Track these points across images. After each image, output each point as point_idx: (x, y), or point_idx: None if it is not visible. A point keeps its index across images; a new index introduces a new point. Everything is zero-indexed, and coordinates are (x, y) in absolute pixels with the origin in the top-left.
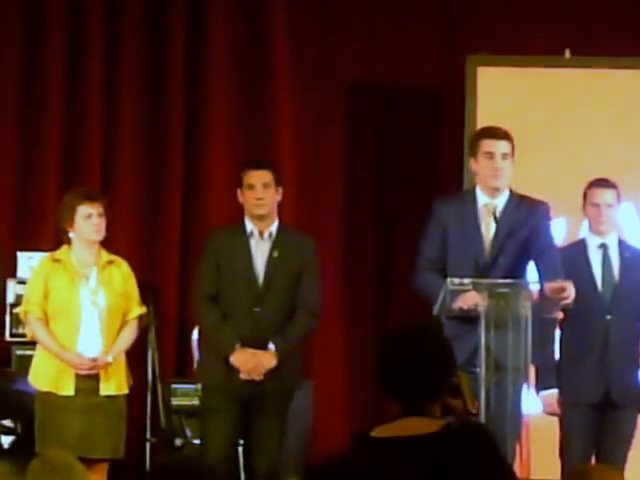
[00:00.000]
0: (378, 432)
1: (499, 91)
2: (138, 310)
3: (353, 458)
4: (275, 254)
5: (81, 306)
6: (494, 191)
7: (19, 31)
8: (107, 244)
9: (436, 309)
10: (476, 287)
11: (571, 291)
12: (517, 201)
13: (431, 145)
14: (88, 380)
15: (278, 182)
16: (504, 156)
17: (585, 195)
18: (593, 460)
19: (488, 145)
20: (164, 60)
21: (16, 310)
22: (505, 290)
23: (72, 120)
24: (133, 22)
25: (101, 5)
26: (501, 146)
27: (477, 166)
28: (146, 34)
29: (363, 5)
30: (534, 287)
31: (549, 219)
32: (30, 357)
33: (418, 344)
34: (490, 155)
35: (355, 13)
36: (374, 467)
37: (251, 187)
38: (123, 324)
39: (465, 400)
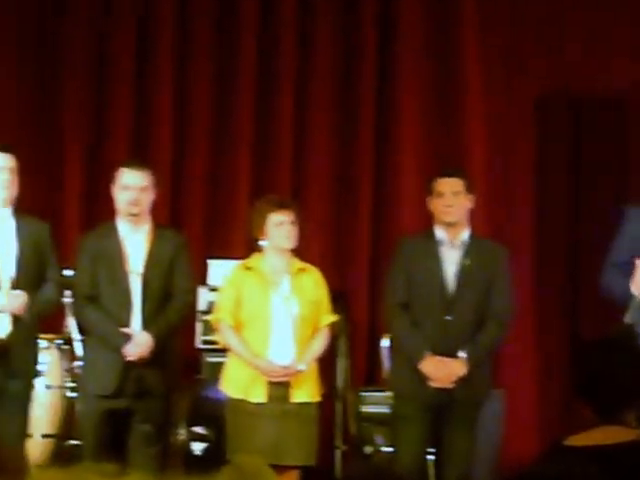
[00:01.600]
0: (573, 441)
1: None
2: (330, 318)
3: (550, 468)
4: (467, 262)
5: (273, 314)
6: None
7: (212, 36)
8: (298, 252)
9: (627, 319)
10: None
11: None
12: None
13: (620, 154)
14: (279, 387)
15: (469, 190)
16: None
17: None
18: None
19: None
20: (355, 72)
21: (207, 317)
22: None
23: (263, 129)
24: (325, 35)
25: (294, 18)
26: None
27: None
28: (337, 47)
29: (552, 15)
30: None
31: None
32: (220, 364)
33: (616, 353)
34: None
35: (544, 24)
36: (572, 477)
37: (440, 194)
38: (314, 332)
39: None
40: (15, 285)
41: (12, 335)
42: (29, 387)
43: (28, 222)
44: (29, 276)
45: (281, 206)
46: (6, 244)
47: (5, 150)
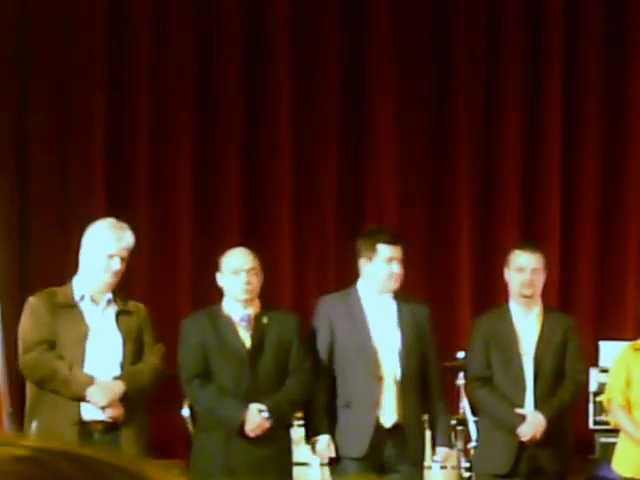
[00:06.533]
0: None
1: None
2: None
3: None
4: None
5: None
6: None
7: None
8: None
9: None
10: None
11: None
12: None
13: None
14: None
15: None
16: None
17: None
18: None
19: None
20: None
21: (599, 398)
22: None
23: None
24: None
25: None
26: None
27: None
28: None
29: None
30: None
31: None
32: (613, 444)
33: None
34: None
35: None
36: None
37: None
38: None
39: None
40: (401, 369)
41: (403, 420)
42: (420, 470)
43: (409, 305)
44: (413, 358)
45: None
46: (389, 329)
47: (395, 242)
